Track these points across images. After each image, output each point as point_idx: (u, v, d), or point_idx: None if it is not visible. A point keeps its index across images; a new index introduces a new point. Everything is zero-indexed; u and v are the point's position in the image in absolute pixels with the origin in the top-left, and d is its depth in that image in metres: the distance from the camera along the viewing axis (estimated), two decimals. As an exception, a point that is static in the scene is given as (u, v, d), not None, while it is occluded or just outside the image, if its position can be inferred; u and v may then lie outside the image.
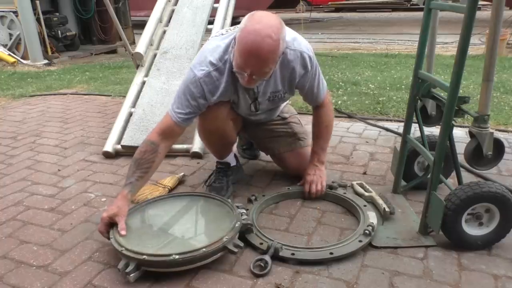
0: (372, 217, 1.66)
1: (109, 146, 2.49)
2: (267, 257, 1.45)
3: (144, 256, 1.37)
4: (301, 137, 2.09)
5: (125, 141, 2.47)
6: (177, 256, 1.37)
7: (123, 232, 1.50)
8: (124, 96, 3.01)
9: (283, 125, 2.08)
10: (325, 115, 1.95)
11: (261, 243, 1.54)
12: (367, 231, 1.55)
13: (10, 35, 6.15)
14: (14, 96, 4.08)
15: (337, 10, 14.73)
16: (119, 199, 1.59)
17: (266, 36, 1.45)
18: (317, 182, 1.90)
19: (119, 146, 2.49)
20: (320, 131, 1.96)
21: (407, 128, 1.83)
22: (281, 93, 1.82)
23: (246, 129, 2.10)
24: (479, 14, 1.77)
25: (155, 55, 3.08)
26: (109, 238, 1.50)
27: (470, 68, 4.51)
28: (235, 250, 1.45)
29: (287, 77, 1.75)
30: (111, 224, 1.55)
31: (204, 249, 1.40)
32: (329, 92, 1.99)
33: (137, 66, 3.05)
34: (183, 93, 1.70)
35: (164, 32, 3.25)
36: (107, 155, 2.47)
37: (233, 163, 2.06)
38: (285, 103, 2.14)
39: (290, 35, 1.68)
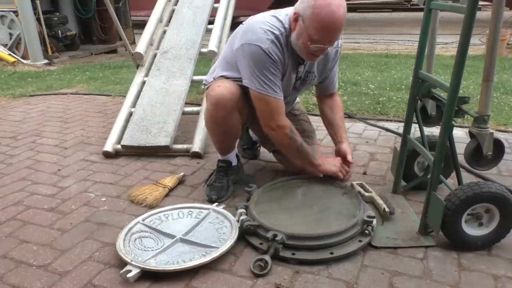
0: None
1: (109, 146, 2.49)
2: (267, 257, 1.45)
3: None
4: (309, 135, 2.09)
5: (125, 141, 2.47)
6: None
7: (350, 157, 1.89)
8: (124, 96, 3.00)
9: (293, 122, 2.07)
10: (339, 102, 2.05)
11: (261, 243, 1.54)
12: (366, 231, 1.55)
13: (10, 34, 6.14)
14: (14, 96, 4.08)
15: (337, 10, 14.72)
16: (329, 157, 1.95)
17: (339, 5, 1.54)
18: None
19: (119, 146, 2.49)
20: (339, 119, 2.02)
21: (407, 128, 1.83)
22: (313, 75, 1.87)
23: (252, 124, 2.07)
24: (479, 14, 1.77)
25: (155, 55, 3.08)
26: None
27: (470, 68, 4.51)
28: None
29: (322, 58, 1.79)
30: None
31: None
32: None
33: (137, 66, 3.05)
34: (260, 71, 1.65)
35: (164, 32, 3.25)
36: (107, 155, 2.47)
37: (234, 162, 2.06)
38: (297, 100, 2.18)
39: None
